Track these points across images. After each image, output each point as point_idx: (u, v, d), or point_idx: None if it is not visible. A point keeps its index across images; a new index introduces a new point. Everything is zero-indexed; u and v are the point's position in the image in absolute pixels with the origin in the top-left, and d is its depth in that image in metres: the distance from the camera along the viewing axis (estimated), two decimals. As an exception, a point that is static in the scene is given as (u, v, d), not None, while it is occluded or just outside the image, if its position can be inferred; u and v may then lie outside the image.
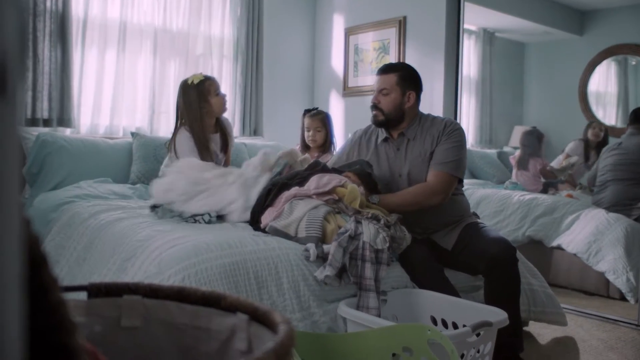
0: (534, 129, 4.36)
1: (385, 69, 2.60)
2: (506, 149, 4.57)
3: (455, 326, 2.03)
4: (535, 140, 4.30)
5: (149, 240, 2.14)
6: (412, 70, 2.61)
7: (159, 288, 0.90)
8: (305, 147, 3.50)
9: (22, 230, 0.40)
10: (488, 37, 4.43)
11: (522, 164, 4.27)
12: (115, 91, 3.78)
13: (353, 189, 2.28)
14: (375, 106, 2.56)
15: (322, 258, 2.09)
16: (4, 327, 0.37)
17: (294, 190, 2.36)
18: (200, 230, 2.24)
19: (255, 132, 4.41)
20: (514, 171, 4.33)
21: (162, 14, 3.98)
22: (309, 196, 2.31)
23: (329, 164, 2.66)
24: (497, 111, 4.54)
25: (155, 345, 0.87)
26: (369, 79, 4.40)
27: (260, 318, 0.81)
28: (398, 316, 2.15)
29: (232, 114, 4.25)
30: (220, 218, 2.53)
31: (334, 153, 3.07)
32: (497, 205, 4.01)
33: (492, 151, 4.55)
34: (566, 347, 2.69)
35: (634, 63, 4.02)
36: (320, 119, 3.45)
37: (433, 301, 2.13)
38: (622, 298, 3.35)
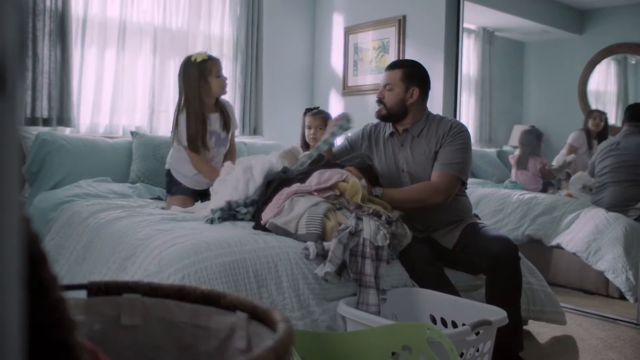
0: (533, 128, 4.36)
1: (392, 65, 2.67)
2: (506, 148, 4.58)
3: (454, 325, 2.03)
4: (534, 140, 4.30)
5: (149, 239, 2.14)
6: (419, 68, 2.65)
7: (159, 287, 0.90)
8: (306, 146, 3.50)
9: (22, 228, 0.40)
10: (488, 36, 4.43)
11: (522, 163, 4.27)
12: (115, 90, 3.78)
13: (354, 184, 2.29)
14: (380, 100, 2.63)
15: (322, 256, 2.09)
16: (4, 324, 0.37)
17: (295, 186, 2.36)
18: (200, 229, 2.24)
19: (255, 131, 4.41)
20: (513, 170, 4.33)
21: (161, 13, 3.98)
22: (310, 193, 2.32)
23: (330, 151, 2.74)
24: (497, 110, 4.54)
25: (154, 344, 0.87)
26: (368, 78, 4.41)
27: (259, 316, 0.81)
28: (397, 315, 2.15)
29: (231, 113, 4.25)
30: None
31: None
32: (496, 204, 4.02)
33: (492, 150, 4.55)
34: (565, 346, 2.70)
35: (633, 62, 4.02)
36: (322, 118, 3.46)
37: (432, 300, 2.13)
38: (622, 297, 3.35)
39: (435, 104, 3.77)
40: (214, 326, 0.85)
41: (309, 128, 3.45)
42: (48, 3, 3.39)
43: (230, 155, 3.27)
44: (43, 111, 3.41)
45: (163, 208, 2.94)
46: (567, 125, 4.18)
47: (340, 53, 4.66)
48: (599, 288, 3.52)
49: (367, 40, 4.42)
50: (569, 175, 4.19)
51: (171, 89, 3.97)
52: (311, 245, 2.09)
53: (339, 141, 2.89)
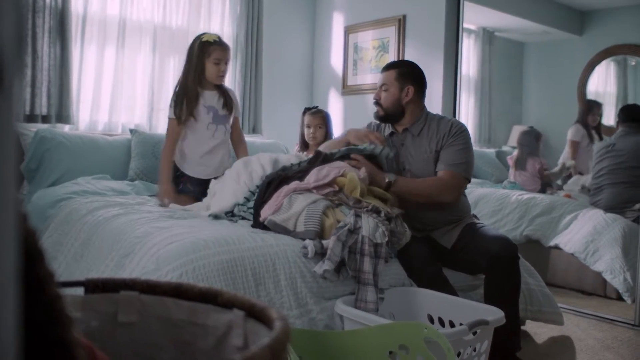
0: (531, 128, 4.36)
1: (387, 66, 2.69)
2: (505, 148, 4.58)
3: (452, 324, 2.03)
4: (533, 140, 4.30)
5: (147, 236, 2.14)
6: (413, 67, 2.67)
7: (156, 284, 0.90)
8: (304, 145, 3.51)
9: (19, 224, 0.40)
10: (487, 37, 4.43)
11: (520, 163, 4.28)
12: (114, 88, 3.78)
13: (352, 178, 2.30)
14: (376, 102, 2.65)
15: (321, 254, 2.09)
16: (0, 320, 0.38)
17: (294, 184, 2.37)
18: (198, 227, 2.24)
19: (255, 130, 4.41)
20: (512, 171, 4.33)
21: (161, 11, 3.98)
22: (309, 190, 2.32)
23: (327, 144, 2.77)
24: (496, 110, 4.54)
25: (151, 341, 0.88)
26: (368, 78, 4.41)
27: (256, 314, 0.81)
28: (395, 314, 2.16)
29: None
30: None
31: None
32: (495, 204, 4.02)
33: (491, 150, 4.56)
34: (563, 347, 2.70)
35: (633, 63, 4.03)
36: (321, 117, 3.47)
37: (430, 299, 2.13)
38: (619, 298, 3.36)
39: (435, 104, 3.78)
40: (211, 324, 0.85)
41: (309, 127, 3.46)
42: (48, 0, 3.38)
43: (239, 143, 3.27)
44: (42, 108, 3.41)
45: (161, 205, 2.93)
46: (567, 126, 4.18)
47: (340, 52, 4.66)
48: (596, 289, 3.53)
49: (367, 39, 4.42)
50: (569, 177, 4.18)
51: (170, 87, 3.96)
52: (310, 243, 2.09)
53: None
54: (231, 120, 3.17)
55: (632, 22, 3.95)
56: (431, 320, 2.11)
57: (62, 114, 3.49)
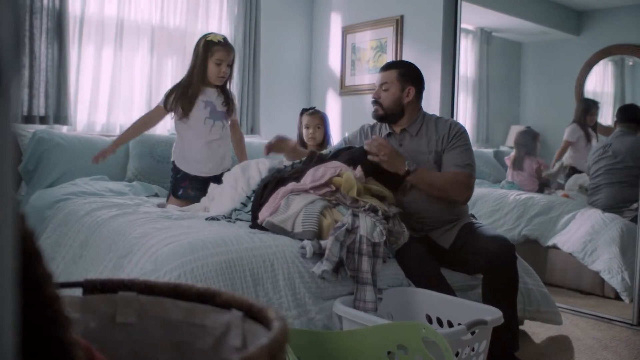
0: (528, 128, 4.36)
1: (387, 66, 2.69)
2: (502, 148, 4.58)
3: (450, 324, 2.03)
4: (530, 140, 4.30)
5: (145, 237, 2.14)
6: (413, 68, 2.67)
7: (155, 285, 0.90)
8: (302, 146, 3.51)
9: (17, 225, 0.40)
10: (485, 37, 4.44)
11: (518, 163, 4.28)
12: (112, 89, 3.78)
13: (348, 178, 2.30)
14: (375, 101, 2.64)
15: (319, 254, 2.09)
16: (-2, 321, 0.38)
17: (291, 185, 2.37)
18: (196, 227, 2.24)
19: (252, 131, 4.41)
20: (509, 171, 4.34)
21: (159, 11, 3.98)
22: (306, 191, 2.32)
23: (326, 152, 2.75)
24: (494, 111, 4.55)
25: (150, 342, 0.88)
26: (366, 78, 4.41)
27: (255, 315, 0.81)
28: (393, 314, 2.16)
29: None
30: None
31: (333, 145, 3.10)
32: (493, 204, 4.02)
33: (489, 150, 4.56)
34: (561, 346, 2.70)
35: (630, 63, 4.03)
36: (319, 117, 3.48)
37: (428, 299, 2.13)
38: (617, 297, 3.36)
39: (432, 104, 3.78)
40: (210, 324, 0.85)
41: (307, 127, 3.46)
42: (45, 1, 3.39)
43: (239, 142, 3.28)
44: (40, 109, 3.41)
45: (160, 205, 2.93)
46: (564, 125, 4.19)
47: (337, 53, 4.66)
48: (594, 288, 3.53)
49: (365, 40, 4.43)
50: (569, 174, 4.18)
51: (168, 87, 3.96)
52: (308, 244, 2.10)
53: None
54: (229, 120, 3.17)
55: (629, 22, 3.96)
56: (429, 320, 2.11)
57: (59, 114, 3.49)
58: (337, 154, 2.56)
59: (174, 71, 4.02)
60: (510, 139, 4.52)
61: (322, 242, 2.11)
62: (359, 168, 2.41)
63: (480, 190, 4.19)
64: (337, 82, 4.66)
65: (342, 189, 2.29)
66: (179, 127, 3.06)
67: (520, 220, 3.88)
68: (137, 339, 0.87)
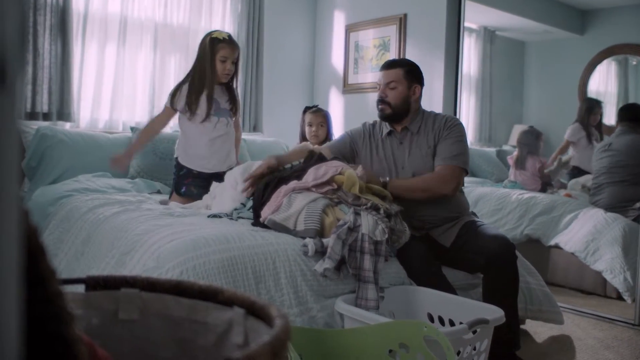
0: (531, 128, 4.36)
1: (391, 64, 2.66)
2: (505, 147, 4.58)
3: (451, 323, 2.03)
4: (533, 139, 4.30)
5: (147, 234, 2.14)
6: (416, 66, 2.68)
7: (157, 281, 0.90)
8: (305, 144, 3.51)
9: (21, 221, 0.40)
10: (488, 36, 4.43)
11: (520, 163, 4.27)
12: (115, 86, 3.78)
13: (350, 175, 2.30)
14: (382, 100, 2.61)
15: (321, 253, 2.09)
16: (2, 316, 0.38)
17: (293, 183, 2.37)
18: (199, 224, 2.25)
19: (255, 128, 4.41)
20: (512, 170, 4.33)
21: (162, 8, 3.98)
22: (308, 189, 2.32)
23: (328, 145, 2.77)
24: (497, 110, 4.54)
25: (152, 338, 0.88)
26: (369, 76, 4.41)
27: (257, 312, 0.81)
28: (395, 313, 2.16)
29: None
30: None
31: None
32: (495, 203, 4.02)
33: (491, 149, 4.56)
34: (563, 346, 2.70)
35: (634, 63, 4.02)
36: (322, 115, 3.48)
37: (430, 298, 2.13)
38: (619, 297, 3.36)
39: (436, 103, 3.78)
40: (212, 321, 0.85)
41: (310, 126, 3.46)
42: (49, -2, 3.39)
43: (237, 142, 3.28)
44: (43, 106, 3.41)
45: (162, 202, 2.93)
46: (567, 125, 4.18)
47: (340, 51, 4.66)
48: (596, 288, 3.53)
49: (368, 38, 4.42)
50: (574, 174, 4.17)
51: (171, 84, 3.96)
52: (310, 242, 2.10)
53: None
54: (234, 116, 3.17)
55: (633, 21, 3.95)
56: (431, 319, 2.11)
57: (63, 111, 3.49)
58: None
59: (177, 68, 4.02)
60: (513, 138, 4.52)
61: (324, 240, 2.12)
62: (360, 167, 2.41)
63: (482, 189, 4.19)
64: (340, 81, 4.66)
65: (344, 187, 2.30)
66: (183, 123, 3.06)
67: (522, 219, 3.88)
68: (139, 335, 0.88)
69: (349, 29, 4.57)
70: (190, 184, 3.02)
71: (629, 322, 3.03)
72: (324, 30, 4.82)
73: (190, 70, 3.05)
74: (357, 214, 2.17)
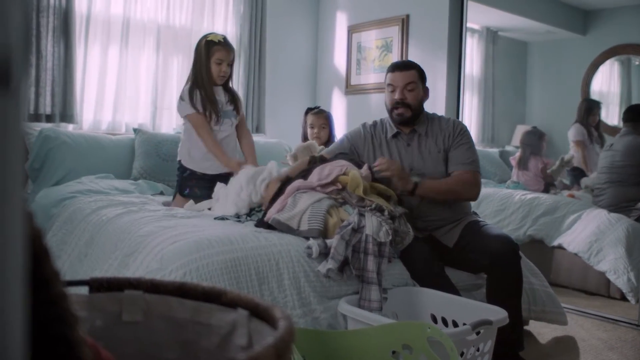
0: (534, 128, 4.35)
1: (407, 66, 2.62)
2: (508, 148, 4.57)
3: (455, 324, 2.03)
4: (536, 140, 4.29)
5: (151, 235, 2.14)
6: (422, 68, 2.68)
7: (160, 283, 0.90)
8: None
9: (25, 223, 0.40)
10: (491, 36, 4.43)
11: (523, 163, 4.27)
12: (118, 87, 3.79)
13: (354, 177, 2.30)
14: (402, 103, 2.55)
15: (325, 254, 2.09)
16: (7, 318, 0.38)
17: (298, 182, 2.37)
18: (202, 226, 2.25)
19: (258, 130, 4.41)
20: (515, 171, 4.32)
21: (165, 10, 3.98)
22: (313, 188, 2.32)
23: (326, 151, 2.75)
24: (500, 110, 4.54)
25: (156, 340, 0.88)
26: (371, 77, 4.40)
27: (260, 314, 0.81)
28: (398, 314, 2.16)
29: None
30: None
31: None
32: (498, 204, 4.01)
33: (494, 150, 4.55)
34: (566, 347, 2.70)
35: (637, 63, 4.02)
36: (324, 117, 3.48)
37: (433, 299, 2.13)
38: (623, 298, 3.35)
39: (438, 103, 3.78)
40: (215, 323, 0.85)
41: (312, 127, 3.46)
42: (52, 0, 3.39)
43: (248, 141, 3.25)
44: (46, 107, 3.42)
45: (165, 204, 2.94)
46: (570, 125, 4.18)
47: (343, 52, 4.66)
48: (600, 289, 3.52)
49: (371, 39, 4.42)
50: (577, 175, 4.16)
51: (174, 86, 3.98)
52: (314, 243, 2.09)
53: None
54: (238, 115, 3.17)
55: (636, 21, 3.94)
56: (434, 320, 2.11)
57: (65, 113, 3.50)
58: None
59: (180, 70, 4.03)
60: (516, 139, 4.51)
61: (328, 242, 2.12)
62: (365, 167, 2.41)
63: (485, 190, 4.17)
64: (342, 82, 4.66)
65: (349, 188, 2.30)
66: (188, 125, 3.06)
67: (525, 220, 3.87)
68: (142, 337, 0.88)
69: (352, 30, 4.57)
70: (194, 186, 3.02)
71: (633, 322, 3.03)
72: (327, 31, 4.82)
73: (191, 74, 3.06)
74: (361, 215, 2.18)
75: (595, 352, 2.60)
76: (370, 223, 2.13)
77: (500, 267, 2.25)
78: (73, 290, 0.81)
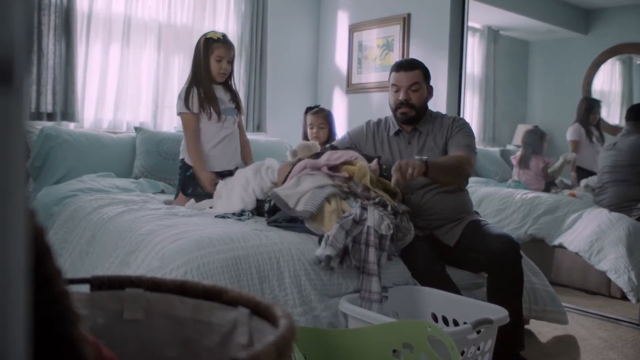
0: (536, 127, 4.35)
1: (411, 65, 2.61)
2: (509, 147, 4.57)
3: (456, 323, 2.03)
4: (537, 139, 4.29)
5: (152, 234, 2.14)
6: (426, 66, 2.68)
7: (161, 281, 0.90)
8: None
9: (27, 221, 0.40)
10: (492, 35, 4.42)
11: (524, 162, 4.27)
12: (119, 86, 3.79)
13: (362, 166, 2.32)
14: (406, 103, 2.55)
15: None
16: (9, 316, 0.38)
17: (305, 161, 2.40)
18: (203, 224, 2.25)
19: (259, 128, 4.42)
20: (515, 170, 4.32)
21: (166, 9, 3.99)
22: (319, 168, 2.34)
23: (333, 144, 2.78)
24: (501, 109, 4.53)
25: (157, 338, 0.88)
26: (372, 76, 4.40)
27: (261, 312, 0.81)
28: (399, 313, 2.16)
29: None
30: None
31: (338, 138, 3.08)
32: (499, 203, 4.01)
33: (495, 149, 4.55)
34: (567, 346, 2.70)
35: (638, 62, 4.02)
36: (323, 116, 3.45)
37: (434, 298, 2.13)
38: (624, 297, 3.35)
39: (439, 102, 3.77)
40: (216, 321, 0.85)
41: (311, 127, 3.44)
42: (53, -2, 3.40)
43: (246, 146, 3.27)
44: (47, 106, 3.42)
45: (166, 202, 2.93)
46: (571, 124, 4.17)
47: (344, 51, 4.66)
48: (601, 288, 3.52)
49: (372, 38, 4.42)
50: (577, 174, 4.16)
51: (175, 85, 3.98)
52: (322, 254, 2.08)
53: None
54: (239, 113, 3.17)
55: (637, 21, 3.94)
56: (435, 319, 2.11)
57: (67, 111, 3.50)
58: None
59: (181, 69, 4.03)
60: (517, 138, 4.51)
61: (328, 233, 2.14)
62: (375, 161, 2.42)
63: (486, 189, 4.18)
64: (343, 80, 4.66)
65: (355, 177, 2.31)
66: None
67: (526, 219, 3.87)
68: (144, 335, 0.88)
69: (353, 29, 4.57)
70: (197, 185, 3.01)
71: (634, 322, 3.03)
72: (328, 30, 4.82)
73: (191, 73, 3.06)
74: (363, 208, 2.18)
75: (596, 351, 2.60)
76: (372, 216, 2.15)
77: (501, 266, 2.25)
78: (74, 289, 0.82)
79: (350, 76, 4.60)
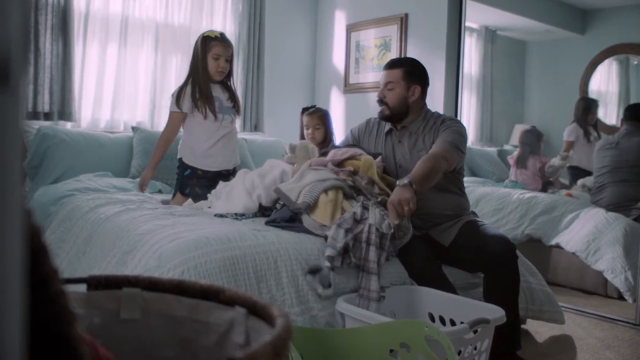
0: (533, 127, 4.36)
1: (392, 64, 2.64)
2: (506, 147, 4.58)
3: (452, 323, 2.04)
4: (534, 139, 4.30)
5: (149, 233, 2.14)
6: (418, 65, 2.64)
7: (159, 281, 0.90)
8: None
9: (24, 221, 0.40)
10: (489, 35, 4.43)
11: (522, 162, 4.27)
12: (117, 85, 3.79)
13: (367, 160, 2.34)
14: (381, 101, 2.60)
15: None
16: (5, 316, 0.38)
17: (312, 159, 2.45)
18: (200, 224, 2.25)
19: (256, 128, 4.41)
20: (512, 170, 4.33)
21: (163, 9, 3.98)
22: (325, 165, 2.37)
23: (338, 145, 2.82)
24: (498, 109, 4.54)
25: (154, 338, 0.88)
26: (370, 76, 4.41)
27: (258, 312, 0.81)
28: (396, 312, 2.16)
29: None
30: None
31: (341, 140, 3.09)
32: (496, 203, 4.02)
33: (492, 149, 4.55)
34: (564, 345, 2.70)
35: (635, 63, 4.02)
36: (318, 117, 3.43)
37: (431, 298, 2.14)
38: (620, 297, 3.36)
39: (436, 102, 3.78)
40: (213, 321, 0.85)
41: (307, 128, 3.42)
42: (50, -3, 3.39)
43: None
44: (44, 105, 3.41)
45: (163, 202, 2.93)
46: (568, 124, 4.18)
47: (341, 50, 4.66)
48: (597, 288, 3.53)
49: (369, 38, 4.42)
50: (574, 174, 4.16)
51: (172, 84, 3.98)
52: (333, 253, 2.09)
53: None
54: (237, 112, 3.17)
55: (634, 21, 3.95)
56: (432, 318, 2.11)
57: (64, 111, 3.50)
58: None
59: (179, 68, 4.03)
60: (515, 138, 4.52)
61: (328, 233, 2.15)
62: (379, 158, 2.44)
63: (483, 189, 4.19)
64: (341, 80, 4.66)
65: (360, 171, 2.33)
66: (188, 123, 3.06)
67: (523, 219, 3.88)
68: (141, 335, 0.88)
69: (350, 29, 4.57)
70: (195, 185, 3.01)
71: (630, 321, 3.03)
72: (325, 30, 4.82)
73: (189, 72, 3.06)
74: (364, 208, 2.19)
75: (593, 351, 2.61)
76: (374, 214, 2.15)
77: (497, 267, 2.25)
78: (71, 288, 0.82)
79: (348, 76, 4.60)
